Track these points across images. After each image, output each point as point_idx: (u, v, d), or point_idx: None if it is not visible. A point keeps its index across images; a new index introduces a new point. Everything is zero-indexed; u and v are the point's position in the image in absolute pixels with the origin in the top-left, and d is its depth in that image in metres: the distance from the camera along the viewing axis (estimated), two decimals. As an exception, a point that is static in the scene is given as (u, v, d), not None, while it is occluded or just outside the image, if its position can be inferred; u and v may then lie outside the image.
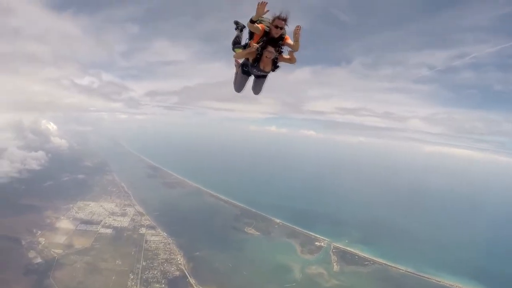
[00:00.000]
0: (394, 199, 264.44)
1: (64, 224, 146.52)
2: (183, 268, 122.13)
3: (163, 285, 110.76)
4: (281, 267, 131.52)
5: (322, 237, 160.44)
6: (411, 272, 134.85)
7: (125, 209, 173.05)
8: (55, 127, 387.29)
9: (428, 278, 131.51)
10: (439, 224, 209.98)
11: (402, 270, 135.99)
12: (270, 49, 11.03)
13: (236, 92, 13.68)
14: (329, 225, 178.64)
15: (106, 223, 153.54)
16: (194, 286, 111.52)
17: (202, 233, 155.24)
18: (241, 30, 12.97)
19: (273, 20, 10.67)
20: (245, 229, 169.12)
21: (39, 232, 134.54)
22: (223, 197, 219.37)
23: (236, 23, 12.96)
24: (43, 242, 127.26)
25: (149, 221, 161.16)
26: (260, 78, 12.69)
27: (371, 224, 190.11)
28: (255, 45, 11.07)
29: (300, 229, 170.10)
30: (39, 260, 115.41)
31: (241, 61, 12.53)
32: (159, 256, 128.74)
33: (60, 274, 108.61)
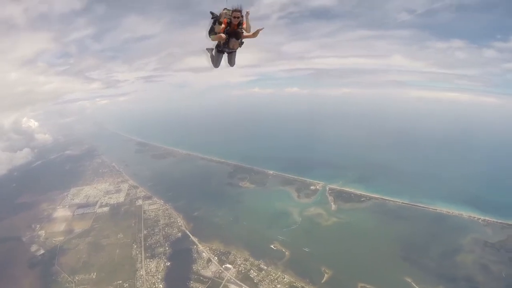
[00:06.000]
0: (385, 143, 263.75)
1: (62, 212, 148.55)
2: (184, 229, 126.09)
3: (167, 248, 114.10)
4: (280, 213, 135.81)
5: (316, 181, 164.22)
6: (407, 203, 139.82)
7: (119, 186, 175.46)
8: (36, 124, 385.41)
9: (424, 207, 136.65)
10: (432, 161, 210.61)
11: (399, 202, 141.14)
12: (233, 40, 14.53)
13: (214, 68, 16.79)
14: (322, 169, 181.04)
15: (103, 202, 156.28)
16: (198, 243, 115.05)
17: (198, 194, 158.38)
18: (216, 20, 14.71)
19: (232, 13, 13.94)
20: (240, 184, 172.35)
21: (38, 225, 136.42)
22: (214, 158, 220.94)
23: (212, 13, 14.77)
24: (44, 234, 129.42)
25: (144, 192, 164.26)
26: (232, 53, 15.87)
27: (365, 165, 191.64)
28: (223, 36, 14.06)
29: (294, 176, 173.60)
30: (41, 251, 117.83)
31: (214, 43, 15.49)
32: (159, 223, 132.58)
33: (64, 259, 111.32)
